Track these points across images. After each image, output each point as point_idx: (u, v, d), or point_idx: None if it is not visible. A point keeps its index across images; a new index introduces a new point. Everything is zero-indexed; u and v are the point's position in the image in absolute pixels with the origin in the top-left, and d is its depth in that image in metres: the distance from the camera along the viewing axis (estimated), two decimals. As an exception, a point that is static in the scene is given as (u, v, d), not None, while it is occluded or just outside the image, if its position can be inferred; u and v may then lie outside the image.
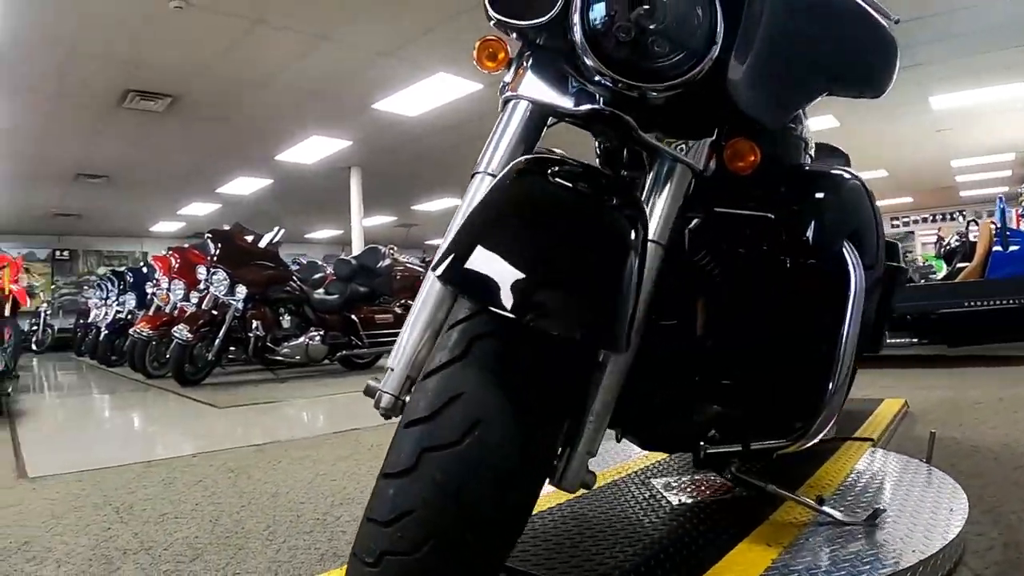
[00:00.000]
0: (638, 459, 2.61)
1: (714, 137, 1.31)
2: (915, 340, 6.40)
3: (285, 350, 8.34)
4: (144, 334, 8.54)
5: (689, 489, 2.15)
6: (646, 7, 1.14)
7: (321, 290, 9.53)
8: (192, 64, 7.38)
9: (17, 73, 7.18)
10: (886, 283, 2.26)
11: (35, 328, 15.89)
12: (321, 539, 2.29)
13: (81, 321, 14.27)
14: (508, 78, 1.37)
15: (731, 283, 1.51)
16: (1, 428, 5.14)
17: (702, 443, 1.50)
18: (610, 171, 1.49)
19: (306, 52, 7.14)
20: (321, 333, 8.64)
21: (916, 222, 23.05)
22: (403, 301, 9.47)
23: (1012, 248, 6.55)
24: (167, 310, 9.30)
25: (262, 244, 8.82)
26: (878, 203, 1.80)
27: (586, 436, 1.07)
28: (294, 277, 8.93)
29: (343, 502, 2.72)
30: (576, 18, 1.20)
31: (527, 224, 0.99)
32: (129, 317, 11.19)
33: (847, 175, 1.60)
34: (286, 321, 8.61)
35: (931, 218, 22.65)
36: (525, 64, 1.35)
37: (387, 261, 9.64)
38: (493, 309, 0.88)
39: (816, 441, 1.46)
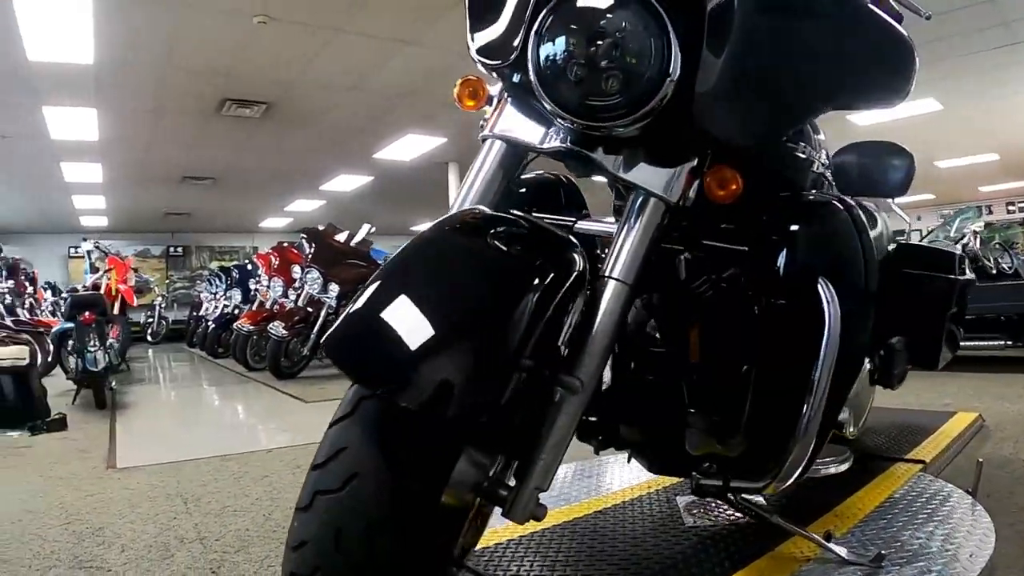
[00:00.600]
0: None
1: (694, 164, 1.25)
2: (1009, 343, 5.93)
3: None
4: (245, 329, 9.00)
5: (709, 511, 2.14)
6: (596, 44, 1.09)
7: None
8: (282, 72, 7.74)
9: (118, 89, 7.74)
10: (948, 297, 2.24)
11: (150, 320, 16.81)
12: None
13: (193, 314, 15.12)
14: (486, 117, 1.39)
15: (709, 318, 1.48)
16: (104, 420, 5.56)
17: (695, 473, 1.45)
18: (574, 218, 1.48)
19: (390, 56, 7.38)
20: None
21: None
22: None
23: None
24: (268, 306, 9.74)
25: (353, 243, 9.18)
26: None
27: (537, 472, 1.08)
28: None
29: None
30: (530, 60, 1.16)
31: (403, 289, 0.99)
32: (235, 311, 11.79)
33: (834, 204, 1.46)
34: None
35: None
36: (502, 103, 1.36)
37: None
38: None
39: (790, 483, 1.38)
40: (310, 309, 8.43)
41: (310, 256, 8.68)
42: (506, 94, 1.35)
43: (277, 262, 9.67)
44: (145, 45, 6.58)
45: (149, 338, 16.42)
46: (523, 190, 1.62)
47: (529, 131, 1.30)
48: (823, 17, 1.29)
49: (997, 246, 7.44)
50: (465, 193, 1.31)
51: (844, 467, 1.54)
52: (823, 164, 1.69)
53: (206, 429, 5.58)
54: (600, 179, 1.38)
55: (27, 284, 10.76)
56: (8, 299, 8.16)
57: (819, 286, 1.32)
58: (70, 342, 6.24)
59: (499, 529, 1.99)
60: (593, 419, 1.53)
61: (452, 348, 0.92)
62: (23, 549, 2.47)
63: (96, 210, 15.77)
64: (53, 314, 10.56)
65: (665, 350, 1.52)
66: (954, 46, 7.37)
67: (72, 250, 18.16)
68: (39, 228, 17.62)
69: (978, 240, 6.63)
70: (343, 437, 0.96)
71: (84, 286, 9.42)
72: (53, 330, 6.95)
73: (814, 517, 1.98)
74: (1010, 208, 19.80)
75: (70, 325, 6.18)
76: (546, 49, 1.13)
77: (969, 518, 1.98)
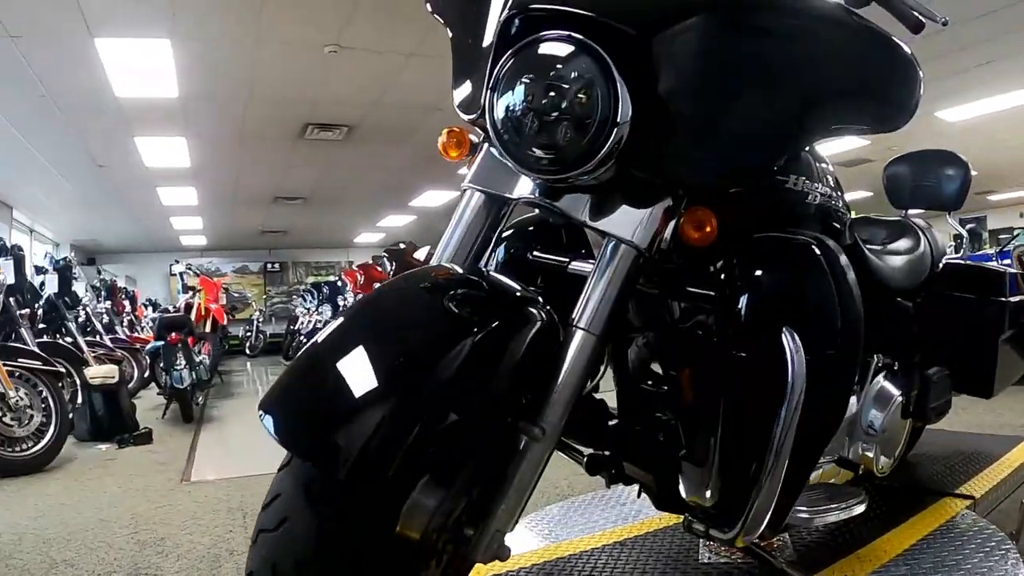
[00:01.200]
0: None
1: (668, 206, 1.20)
2: None
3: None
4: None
5: (728, 549, 2.06)
6: (546, 96, 1.09)
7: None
8: (360, 97, 8.08)
9: (204, 119, 8.30)
10: (999, 320, 2.14)
11: (249, 334, 17.52)
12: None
13: (290, 328, 15.79)
14: (468, 168, 1.38)
15: (695, 361, 1.44)
16: (188, 434, 5.96)
17: (686, 515, 1.41)
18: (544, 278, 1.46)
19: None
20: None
21: None
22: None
23: None
24: (355, 321, 10.04)
25: (433, 261, 9.43)
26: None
27: (499, 515, 1.09)
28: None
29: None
30: (487, 116, 1.17)
31: (332, 354, 1.01)
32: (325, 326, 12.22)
33: (807, 246, 1.34)
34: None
35: None
36: (481, 153, 1.35)
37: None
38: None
39: (754, 537, 1.30)
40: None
41: (392, 274, 8.99)
42: (486, 144, 1.35)
43: (362, 279, 10.02)
44: (225, 78, 7.04)
45: (248, 351, 17.11)
46: (530, 229, 1.60)
47: (505, 181, 1.29)
48: (800, 39, 1.20)
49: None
50: (444, 244, 1.31)
51: (857, 511, 1.46)
52: (825, 195, 1.56)
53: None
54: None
55: (126, 303, 11.46)
56: (106, 319, 8.73)
57: (783, 336, 1.23)
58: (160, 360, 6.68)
59: (514, 558, 2.02)
60: (604, 453, 1.50)
61: (373, 415, 0.92)
62: (91, 556, 2.76)
63: (194, 230, 16.72)
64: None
65: (659, 390, 1.49)
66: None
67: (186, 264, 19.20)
68: (143, 248, 18.75)
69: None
70: (280, 484, 1.04)
71: (176, 306, 10.00)
72: (147, 348, 7.43)
73: (835, 559, 1.89)
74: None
75: (160, 344, 6.61)
76: (501, 104, 1.14)
77: (1002, 567, 1.79)
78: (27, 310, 5.77)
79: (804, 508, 1.42)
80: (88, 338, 7.22)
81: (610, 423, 1.47)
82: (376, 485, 0.94)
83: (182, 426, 6.34)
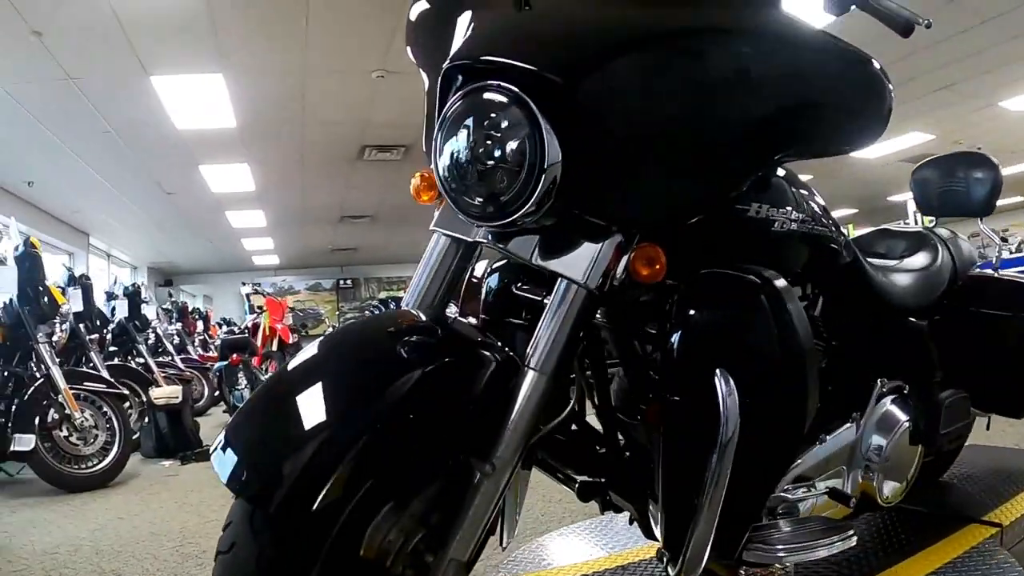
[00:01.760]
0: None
1: (620, 243, 1.18)
2: None
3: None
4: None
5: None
6: (481, 147, 1.11)
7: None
8: (412, 118, 8.31)
9: (263, 145, 8.79)
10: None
11: (320, 350, 17.87)
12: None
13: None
14: (437, 210, 1.39)
15: (641, 401, 1.45)
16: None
17: (660, 547, 1.37)
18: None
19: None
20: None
21: None
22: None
23: None
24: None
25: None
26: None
27: (456, 544, 1.11)
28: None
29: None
30: (434, 166, 1.19)
31: (270, 402, 1.10)
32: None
33: (746, 282, 1.28)
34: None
35: None
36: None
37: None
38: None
39: (696, 573, 1.27)
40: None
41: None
42: None
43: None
44: (280, 107, 7.44)
45: (319, 366, 17.51)
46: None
47: (465, 224, 1.28)
48: (730, 68, 1.17)
49: None
50: (413, 287, 1.34)
51: (841, 547, 1.35)
52: (798, 220, 1.48)
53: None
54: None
55: (200, 323, 11.97)
56: (176, 339, 9.14)
57: (716, 378, 1.19)
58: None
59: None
60: (599, 480, 1.49)
61: (304, 452, 0.96)
62: (136, 566, 3.01)
63: (266, 250, 17.43)
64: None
65: (634, 422, 1.49)
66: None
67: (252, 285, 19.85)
68: (217, 268, 19.63)
69: None
70: (232, 511, 1.09)
71: (245, 326, 10.41)
72: (214, 367, 7.80)
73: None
74: None
75: (224, 364, 6.95)
76: (444, 154, 1.16)
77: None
78: (96, 335, 6.15)
79: (786, 544, 1.36)
80: (159, 359, 7.63)
81: (600, 450, 1.48)
82: (308, 518, 0.97)
83: (245, 443, 6.60)
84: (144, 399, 6.03)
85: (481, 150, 1.11)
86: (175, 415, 5.95)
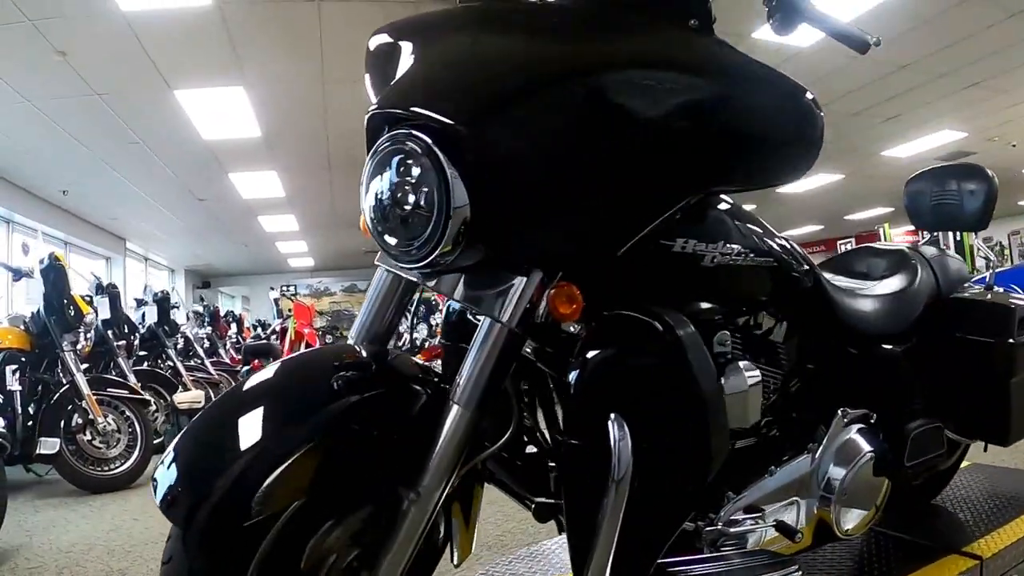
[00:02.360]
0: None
1: (540, 280, 1.19)
2: None
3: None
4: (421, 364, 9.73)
5: None
6: (398, 191, 1.13)
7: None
8: (433, 124, 8.56)
9: (288, 154, 9.09)
10: (1009, 362, 1.95)
11: (355, 351, 18.13)
12: None
13: (396, 344, 16.24)
14: None
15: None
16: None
17: None
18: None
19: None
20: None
21: None
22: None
23: None
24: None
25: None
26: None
27: (386, 565, 1.16)
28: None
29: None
30: (364, 211, 1.21)
31: (206, 421, 1.17)
32: (424, 345, 12.71)
33: (648, 325, 1.25)
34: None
35: None
36: None
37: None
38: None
39: None
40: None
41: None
42: None
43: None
44: (303, 116, 7.68)
45: (354, 369, 17.76)
46: None
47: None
48: (661, 90, 1.17)
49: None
50: (360, 320, 1.40)
51: None
52: (733, 253, 1.44)
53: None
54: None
55: (232, 326, 12.27)
56: (207, 343, 9.40)
57: (610, 423, 1.18)
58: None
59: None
60: (554, 501, 1.50)
61: (226, 477, 1.03)
62: (143, 566, 3.21)
63: (300, 253, 17.73)
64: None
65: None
66: None
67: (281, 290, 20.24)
68: (253, 271, 19.97)
69: None
70: (172, 528, 1.14)
71: (274, 330, 10.67)
72: (241, 371, 8.03)
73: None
74: None
75: (247, 368, 7.16)
76: (369, 199, 1.19)
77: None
78: (123, 341, 6.39)
79: None
80: (190, 362, 7.90)
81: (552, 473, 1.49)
82: (237, 534, 1.03)
83: (268, 445, 6.80)
84: (171, 402, 6.27)
85: (399, 195, 1.13)
86: (198, 419, 6.13)
